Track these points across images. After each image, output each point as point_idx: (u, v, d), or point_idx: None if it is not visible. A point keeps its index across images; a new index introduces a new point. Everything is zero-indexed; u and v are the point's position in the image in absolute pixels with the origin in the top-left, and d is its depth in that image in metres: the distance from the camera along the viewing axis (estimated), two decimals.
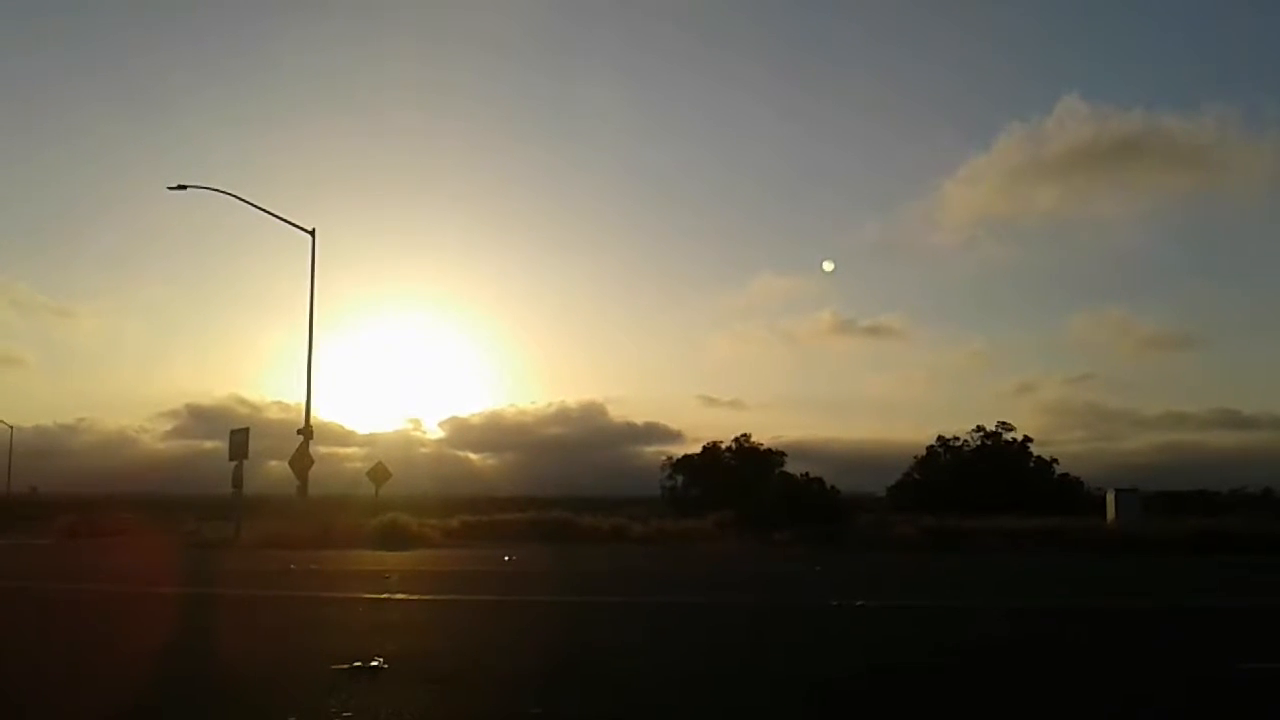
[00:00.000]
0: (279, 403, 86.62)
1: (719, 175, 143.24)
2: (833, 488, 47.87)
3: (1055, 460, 60.10)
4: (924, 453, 61.58)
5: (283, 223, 36.17)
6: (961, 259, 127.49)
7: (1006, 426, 60.69)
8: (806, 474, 51.13)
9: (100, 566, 22.69)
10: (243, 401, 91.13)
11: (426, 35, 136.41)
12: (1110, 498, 44.08)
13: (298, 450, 35.18)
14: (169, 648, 10.10)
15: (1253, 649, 10.59)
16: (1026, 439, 60.47)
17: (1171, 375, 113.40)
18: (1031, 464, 59.67)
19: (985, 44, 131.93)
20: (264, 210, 35.82)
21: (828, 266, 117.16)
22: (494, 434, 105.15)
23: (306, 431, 35.39)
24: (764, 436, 63.07)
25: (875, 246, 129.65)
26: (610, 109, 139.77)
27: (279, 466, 37.58)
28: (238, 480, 35.12)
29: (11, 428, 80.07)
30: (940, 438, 61.61)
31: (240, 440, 35.55)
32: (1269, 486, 55.55)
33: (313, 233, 36.25)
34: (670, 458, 64.84)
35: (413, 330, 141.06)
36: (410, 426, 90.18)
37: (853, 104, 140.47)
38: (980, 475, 55.65)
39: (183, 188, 34.73)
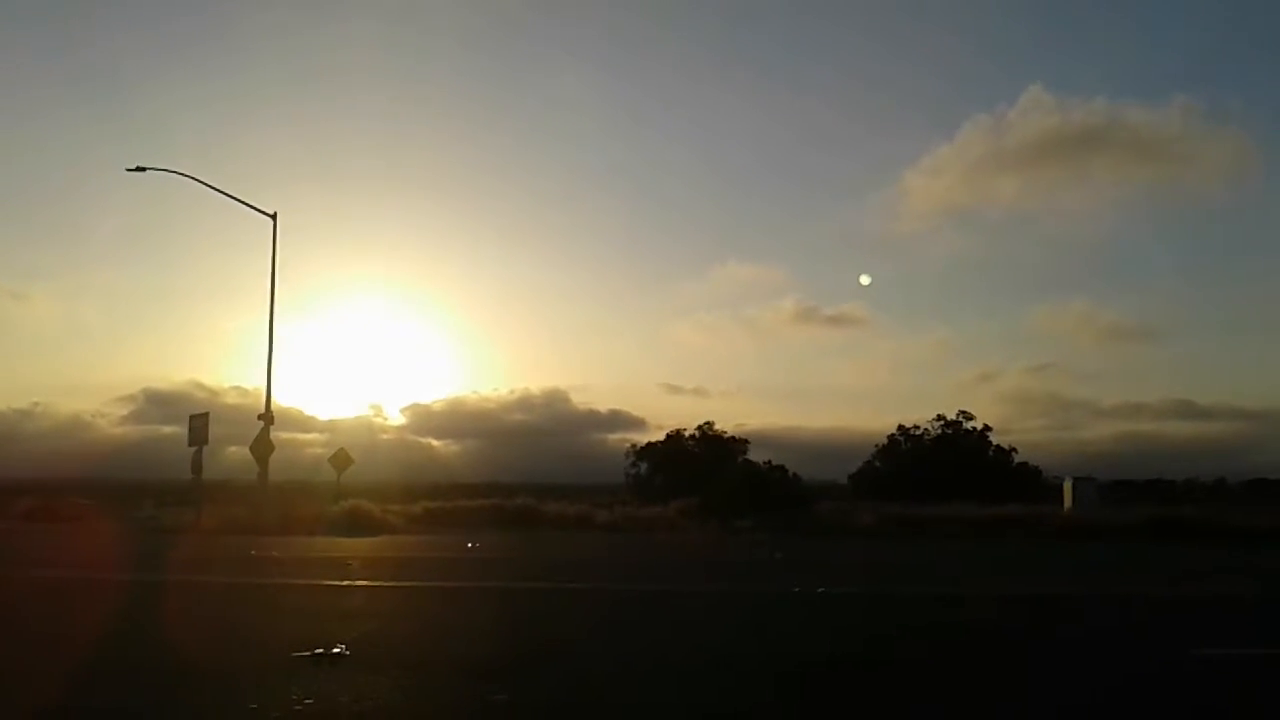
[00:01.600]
0: (237, 388, 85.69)
1: (682, 164, 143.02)
2: (795, 475, 48.23)
3: (1014, 449, 60.89)
4: (885, 441, 62.13)
5: (244, 206, 35.80)
6: (924, 249, 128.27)
7: (967, 415, 61.37)
8: (769, 462, 51.48)
9: (57, 552, 22.41)
10: (201, 386, 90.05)
11: (395, 20, 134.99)
12: (1067, 486, 44.76)
13: (259, 436, 34.90)
14: (127, 635, 10.03)
15: (1208, 636, 10.83)
16: (986, 428, 61.18)
17: (1130, 366, 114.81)
18: (991, 453, 60.38)
19: (950, 35, 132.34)
20: (225, 194, 35.40)
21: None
22: (456, 420, 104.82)
23: (267, 417, 35.10)
24: (727, 424, 63.33)
25: (838, 236, 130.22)
26: (575, 99, 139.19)
27: (238, 452, 37.32)
28: (197, 466, 34.79)
29: None
30: (901, 426, 62.20)
31: (200, 425, 35.21)
32: (1222, 476, 56.70)
33: (274, 216, 35.90)
34: (634, 445, 65.00)
35: (373, 316, 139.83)
36: (371, 413, 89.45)
37: (817, 94, 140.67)
38: (940, 463, 56.27)
39: (142, 169, 34.23)
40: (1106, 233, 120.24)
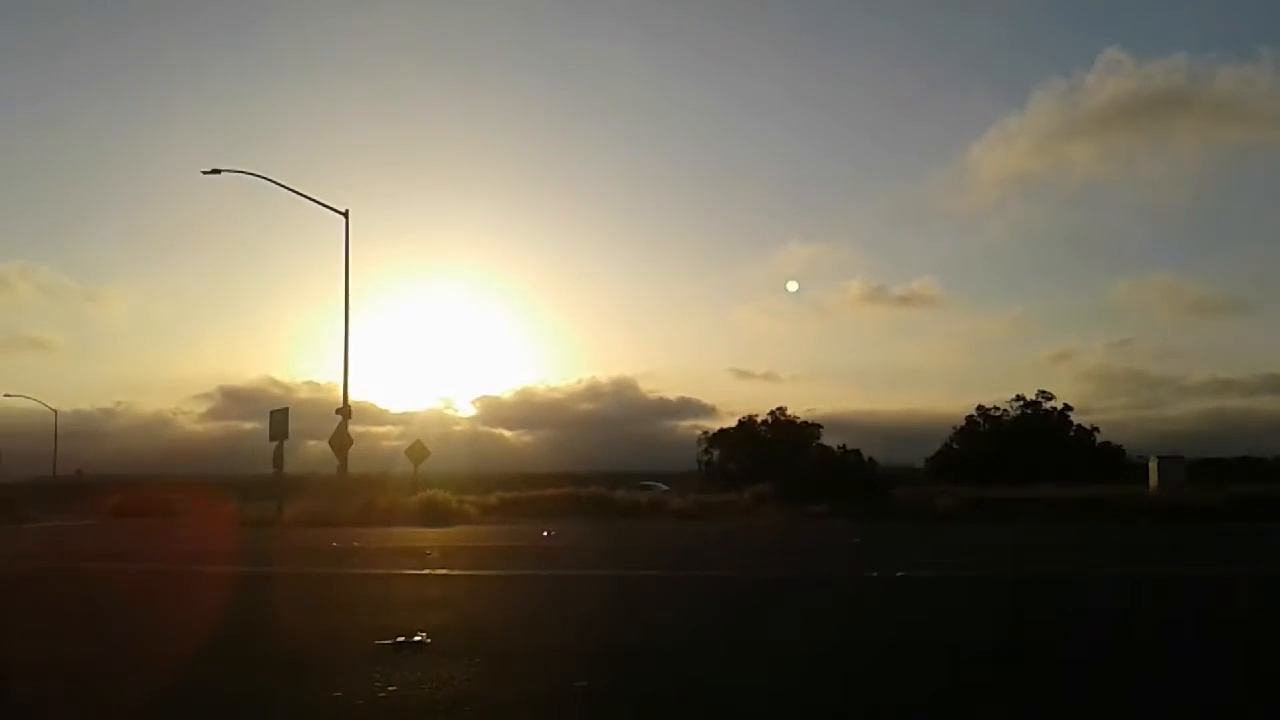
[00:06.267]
0: (310, 382, 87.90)
1: (744, 144, 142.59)
2: (870, 460, 47.80)
3: (1096, 429, 59.63)
4: (963, 423, 61.20)
5: (315, 204, 36.33)
6: (996, 223, 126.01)
7: (1046, 395, 60.23)
8: (843, 446, 51.22)
9: (147, 545, 23.02)
10: (275, 382, 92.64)
11: (459, 16, 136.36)
12: (1153, 465, 43.59)
13: (337, 429, 35.51)
14: (215, 625, 10.20)
15: None
16: (1067, 407, 59.95)
17: (1217, 340, 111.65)
18: (1072, 433, 59.15)
19: None
20: (297, 193, 36.03)
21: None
22: (526, 411, 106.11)
23: (345, 411, 35.69)
24: (798, 409, 63.12)
25: (904, 212, 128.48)
26: (636, 84, 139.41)
27: (316, 446, 38.15)
28: (279, 460, 35.51)
29: (55, 411, 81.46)
30: (980, 407, 61.25)
31: (280, 420, 35.94)
32: None
33: (346, 214, 36.38)
34: (706, 432, 65.05)
35: (440, 308, 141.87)
36: (442, 405, 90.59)
37: (877, 67, 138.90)
38: (1020, 445, 55.24)
39: (217, 172, 34.97)
40: (1190, 200, 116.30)
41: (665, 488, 44.10)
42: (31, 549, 23.49)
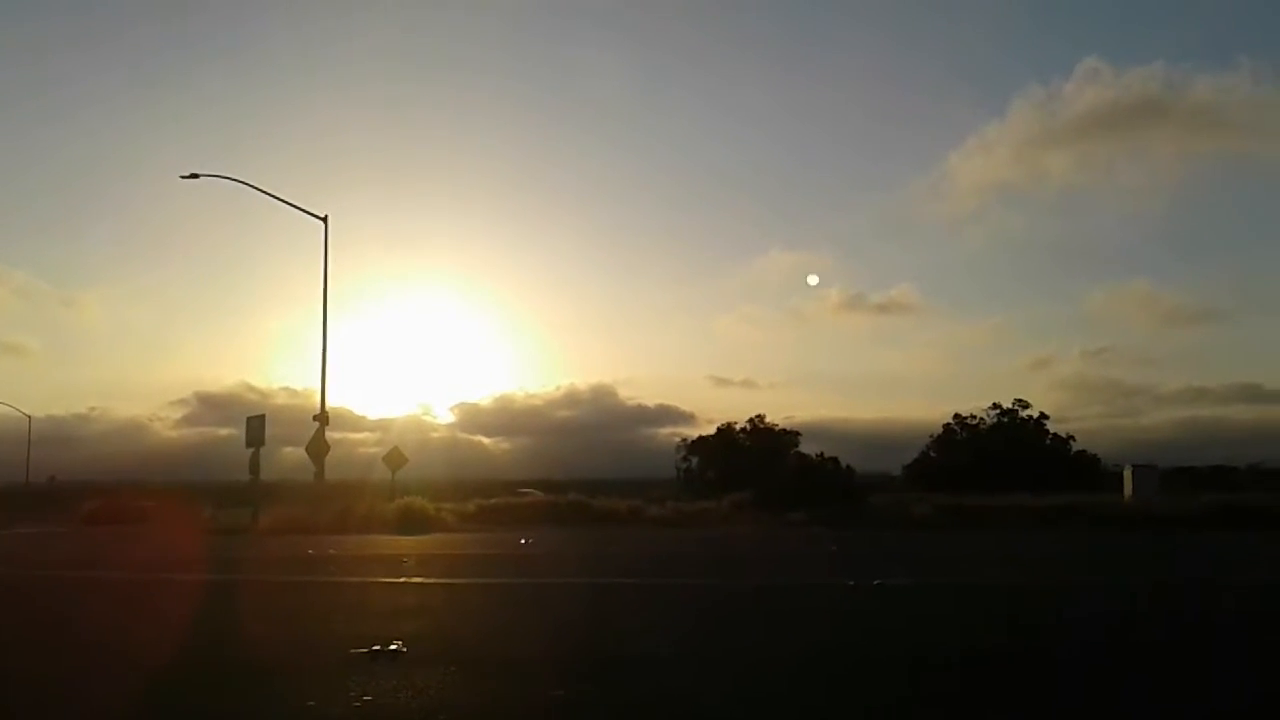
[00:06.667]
0: (287, 388, 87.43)
1: (724, 152, 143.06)
2: (848, 467, 47.86)
3: (1072, 437, 60.08)
4: (940, 431, 61.50)
5: (292, 209, 36.15)
6: (975, 231, 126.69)
7: (1023, 404, 60.64)
8: (821, 454, 51.15)
9: (119, 553, 22.79)
10: (251, 388, 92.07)
11: (445, 23, 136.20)
12: (1127, 474, 43.92)
13: (314, 436, 35.26)
14: (187, 633, 10.11)
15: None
16: (1043, 416, 60.37)
17: (1193, 349, 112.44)
18: (1048, 441, 59.53)
19: (1003, 5, 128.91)
20: (276, 198, 35.81)
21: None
22: (505, 418, 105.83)
23: (322, 417, 35.44)
24: (777, 416, 63.28)
25: (886, 220, 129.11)
26: (617, 91, 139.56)
27: (293, 453, 37.88)
28: (255, 467, 35.26)
29: (29, 417, 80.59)
30: (957, 416, 61.60)
31: (257, 427, 35.68)
32: None
33: (325, 220, 36.21)
34: (685, 439, 65.04)
35: (419, 315, 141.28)
36: (421, 411, 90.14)
37: (857, 76, 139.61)
38: (997, 454, 55.54)
39: (195, 176, 34.71)
40: (1168, 209, 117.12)
41: (539, 493, 46.11)
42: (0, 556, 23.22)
